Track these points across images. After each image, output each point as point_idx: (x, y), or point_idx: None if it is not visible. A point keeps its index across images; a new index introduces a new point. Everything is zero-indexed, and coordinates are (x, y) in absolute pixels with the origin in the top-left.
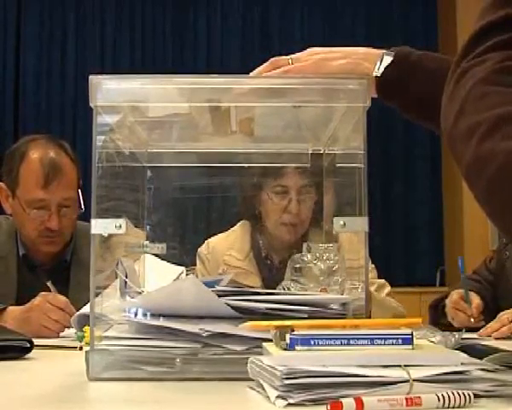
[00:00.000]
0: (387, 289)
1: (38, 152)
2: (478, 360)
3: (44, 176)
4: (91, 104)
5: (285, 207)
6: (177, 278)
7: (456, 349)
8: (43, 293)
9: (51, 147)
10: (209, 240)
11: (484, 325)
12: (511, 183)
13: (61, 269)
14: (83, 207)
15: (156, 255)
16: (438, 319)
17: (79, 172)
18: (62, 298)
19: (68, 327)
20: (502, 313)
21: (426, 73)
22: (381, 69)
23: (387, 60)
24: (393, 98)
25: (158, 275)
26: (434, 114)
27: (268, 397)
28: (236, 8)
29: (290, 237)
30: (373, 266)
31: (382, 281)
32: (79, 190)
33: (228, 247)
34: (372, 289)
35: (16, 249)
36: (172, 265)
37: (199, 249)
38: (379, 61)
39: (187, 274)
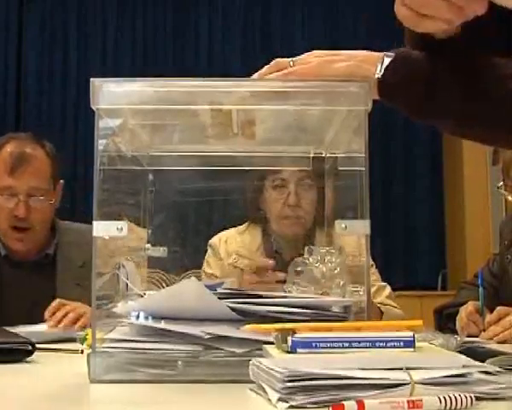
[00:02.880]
0: (387, 291)
1: (12, 146)
2: (479, 363)
3: (11, 163)
4: (93, 107)
5: (285, 200)
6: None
7: (458, 352)
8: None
9: (28, 143)
10: (221, 233)
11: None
12: None
13: (45, 263)
14: (57, 203)
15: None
16: (441, 325)
17: (57, 169)
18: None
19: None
20: (501, 310)
21: (426, 72)
22: (382, 71)
23: (388, 61)
24: (394, 99)
25: None
26: (435, 114)
27: (269, 400)
28: (238, 8)
29: (292, 231)
30: (374, 266)
31: (383, 284)
32: (58, 186)
33: (240, 239)
34: (372, 291)
35: None
36: None
37: (211, 240)
38: (380, 62)
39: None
